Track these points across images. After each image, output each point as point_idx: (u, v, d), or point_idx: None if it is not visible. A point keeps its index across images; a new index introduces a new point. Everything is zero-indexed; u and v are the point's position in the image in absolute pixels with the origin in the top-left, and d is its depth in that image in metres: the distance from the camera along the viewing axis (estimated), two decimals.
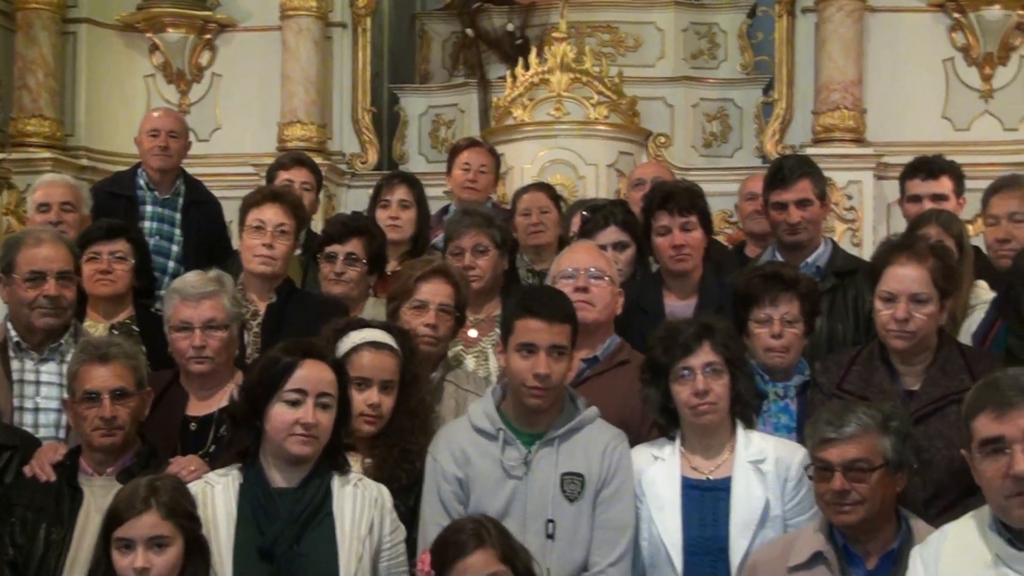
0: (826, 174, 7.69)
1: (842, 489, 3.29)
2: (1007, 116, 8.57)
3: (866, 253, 6.42)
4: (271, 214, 4.69)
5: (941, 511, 3.61)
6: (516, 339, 3.64)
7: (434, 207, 6.21)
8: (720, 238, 7.56)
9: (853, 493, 3.29)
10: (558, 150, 8.19)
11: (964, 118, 8.60)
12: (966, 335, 4.36)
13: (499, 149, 7.28)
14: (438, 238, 5.48)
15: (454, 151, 6.44)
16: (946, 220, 4.73)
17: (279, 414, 3.27)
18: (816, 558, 3.34)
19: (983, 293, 4.56)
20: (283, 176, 5.98)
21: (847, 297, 4.59)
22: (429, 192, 5.93)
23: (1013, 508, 2.88)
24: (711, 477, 3.67)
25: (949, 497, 3.65)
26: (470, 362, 4.52)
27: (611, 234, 4.84)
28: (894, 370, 3.86)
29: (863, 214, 8.18)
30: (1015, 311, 3.96)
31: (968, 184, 5.43)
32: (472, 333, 4.58)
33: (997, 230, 4.92)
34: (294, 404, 3.27)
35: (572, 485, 3.63)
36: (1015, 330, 3.97)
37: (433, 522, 3.59)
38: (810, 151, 7.96)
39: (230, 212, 6.00)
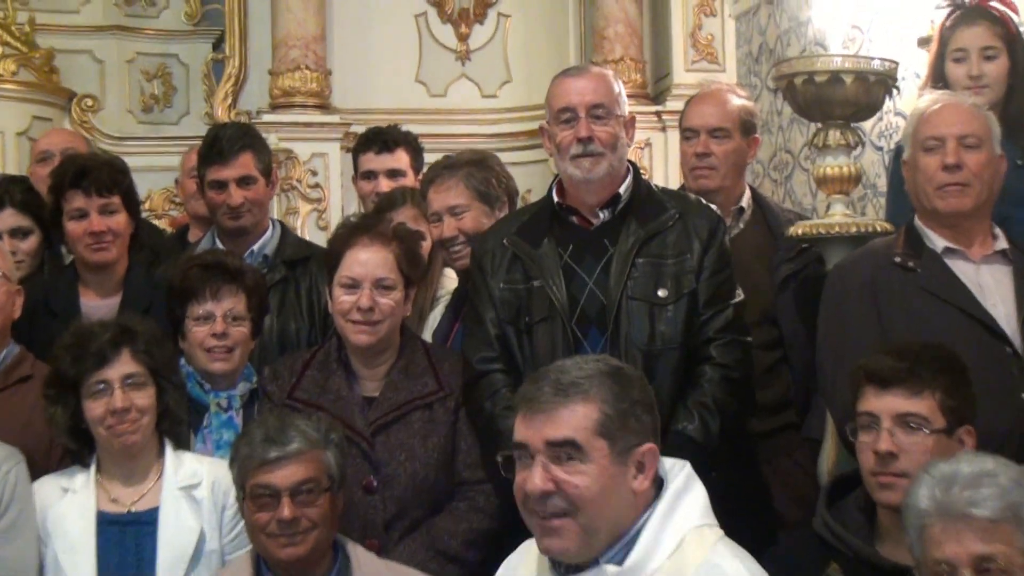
0: (287, 145, 7.97)
1: (293, 518, 3.30)
2: (486, 81, 9.02)
3: None
4: None
5: (404, 532, 3.74)
6: None
7: None
8: (163, 221, 7.47)
9: (303, 520, 3.31)
10: None
11: (440, 83, 8.97)
12: (430, 330, 4.53)
13: None
14: None
15: None
16: (420, 199, 4.83)
17: None
18: None
19: (451, 283, 4.73)
20: None
21: (300, 290, 4.67)
22: None
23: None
24: (134, 509, 3.65)
25: (413, 516, 3.77)
26: None
27: (8, 219, 4.71)
28: (353, 374, 3.93)
29: (330, 192, 8.27)
30: (472, 310, 4.08)
31: None
32: None
33: (441, 227, 4.47)
34: None
35: None
36: (468, 328, 4.10)
37: None
38: (268, 118, 8.07)
39: None
